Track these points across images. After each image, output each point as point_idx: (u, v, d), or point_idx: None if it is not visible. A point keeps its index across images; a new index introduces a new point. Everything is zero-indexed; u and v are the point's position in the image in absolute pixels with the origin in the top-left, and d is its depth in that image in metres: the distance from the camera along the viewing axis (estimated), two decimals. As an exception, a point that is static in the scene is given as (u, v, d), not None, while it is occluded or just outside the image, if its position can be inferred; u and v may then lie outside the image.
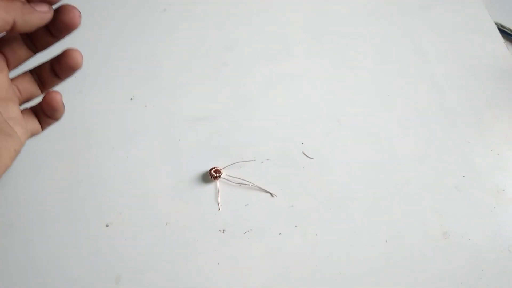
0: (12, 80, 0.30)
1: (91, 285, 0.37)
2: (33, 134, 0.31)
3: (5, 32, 0.26)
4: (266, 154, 0.44)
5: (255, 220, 0.40)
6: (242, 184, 0.41)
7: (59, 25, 0.29)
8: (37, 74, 0.31)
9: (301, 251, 0.39)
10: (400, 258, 0.39)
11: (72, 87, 0.47)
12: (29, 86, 0.31)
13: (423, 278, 0.39)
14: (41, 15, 0.27)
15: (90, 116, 0.45)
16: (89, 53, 0.50)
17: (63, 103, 0.31)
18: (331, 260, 0.39)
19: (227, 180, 0.41)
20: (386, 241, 0.40)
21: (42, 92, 0.32)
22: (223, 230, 0.40)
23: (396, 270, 0.39)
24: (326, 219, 0.41)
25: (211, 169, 0.41)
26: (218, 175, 0.41)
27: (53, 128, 0.44)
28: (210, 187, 0.42)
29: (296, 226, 0.40)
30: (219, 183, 0.41)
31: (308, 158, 0.44)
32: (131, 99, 0.47)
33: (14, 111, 0.29)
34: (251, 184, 0.41)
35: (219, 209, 0.40)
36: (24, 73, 0.31)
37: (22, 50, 0.30)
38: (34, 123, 0.31)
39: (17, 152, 0.28)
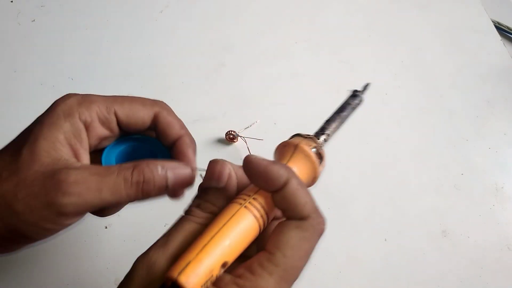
0: None
1: (90, 286, 0.37)
2: None
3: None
4: (265, 154, 0.44)
5: (254, 220, 0.40)
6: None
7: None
8: None
9: (300, 250, 0.39)
10: (399, 256, 0.39)
11: (69, 89, 0.47)
12: None
13: (423, 276, 0.39)
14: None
15: (88, 118, 0.45)
16: (87, 55, 0.50)
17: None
18: (330, 260, 0.39)
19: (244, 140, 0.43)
20: (386, 240, 0.40)
21: None
22: (222, 231, 0.40)
23: (396, 269, 0.39)
24: (325, 218, 0.41)
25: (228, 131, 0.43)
26: (234, 140, 0.43)
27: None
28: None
29: (295, 225, 0.40)
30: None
31: (307, 158, 0.44)
32: (129, 100, 0.47)
33: None
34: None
35: None
36: None
37: None
38: None
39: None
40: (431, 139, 0.46)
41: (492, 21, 0.54)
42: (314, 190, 0.43)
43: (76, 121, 0.25)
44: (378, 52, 0.51)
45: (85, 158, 0.26)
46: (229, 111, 0.46)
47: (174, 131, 0.28)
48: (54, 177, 0.23)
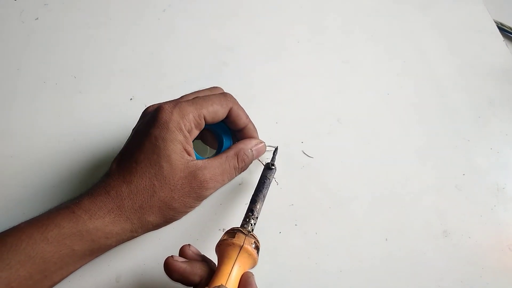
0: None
1: (92, 284, 0.37)
2: None
3: None
4: (266, 153, 0.44)
5: (255, 219, 0.40)
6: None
7: None
8: None
9: (301, 250, 0.39)
10: (400, 256, 0.39)
11: (71, 87, 0.47)
12: None
13: (423, 276, 0.39)
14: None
15: (90, 116, 0.45)
16: (89, 53, 0.50)
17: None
18: (331, 259, 0.39)
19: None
20: (386, 240, 0.40)
21: None
22: (223, 229, 0.40)
23: (396, 269, 0.39)
24: (326, 217, 0.41)
25: None
26: None
27: (53, 129, 0.45)
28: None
29: (296, 225, 0.40)
30: None
31: (308, 157, 0.44)
32: (131, 99, 0.47)
33: None
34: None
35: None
36: None
37: None
38: None
39: None
40: (433, 139, 0.46)
41: (495, 22, 0.54)
42: (315, 190, 0.43)
43: (185, 132, 0.34)
44: (380, 52, 0.51)
45: (193, 153, 0.35)
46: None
47: (242, 121, 0.38)
48: (196, 178, 0.34)
